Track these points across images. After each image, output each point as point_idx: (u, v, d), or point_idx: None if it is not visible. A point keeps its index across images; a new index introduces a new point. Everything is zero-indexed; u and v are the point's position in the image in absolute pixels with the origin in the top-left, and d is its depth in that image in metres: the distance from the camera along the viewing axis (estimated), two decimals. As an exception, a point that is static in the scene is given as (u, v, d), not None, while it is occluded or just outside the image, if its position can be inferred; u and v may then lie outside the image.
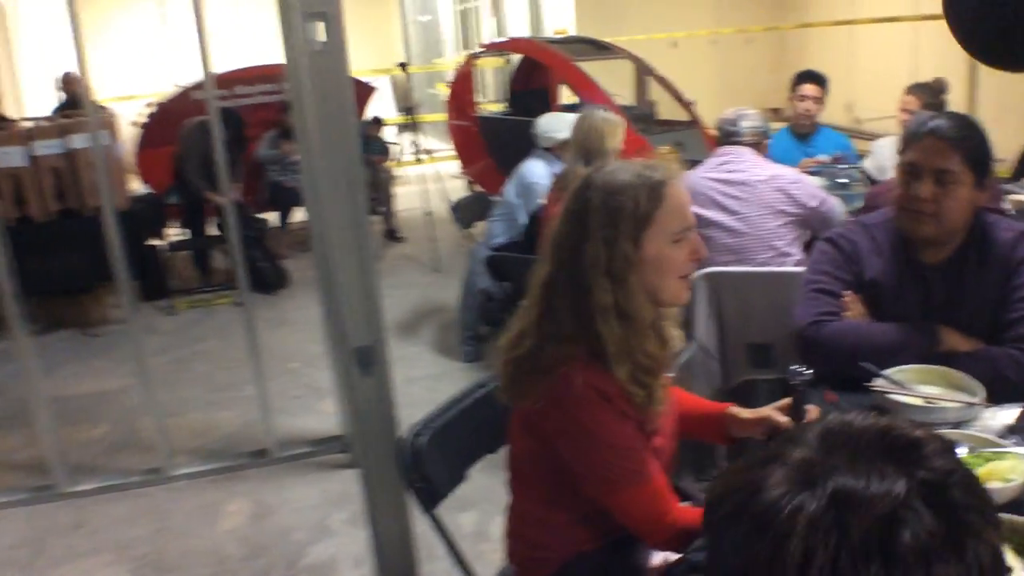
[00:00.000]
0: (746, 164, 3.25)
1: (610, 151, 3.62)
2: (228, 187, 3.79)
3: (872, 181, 4.11)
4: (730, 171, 3.22)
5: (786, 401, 1.73)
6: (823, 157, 4.35)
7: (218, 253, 6.66)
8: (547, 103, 7.10)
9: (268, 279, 6.30)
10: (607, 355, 1.50)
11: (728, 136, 3.33)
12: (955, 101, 8.68)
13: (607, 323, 1.49)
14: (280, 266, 6.57)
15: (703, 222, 3.14)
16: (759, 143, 3.34)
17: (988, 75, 8.50)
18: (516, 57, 7.87)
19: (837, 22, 9.81)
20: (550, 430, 1.56)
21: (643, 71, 6.91)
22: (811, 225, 3.25)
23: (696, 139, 6.16)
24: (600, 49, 6.93)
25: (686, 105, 6.45)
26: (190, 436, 4.12)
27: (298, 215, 7.23)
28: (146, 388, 3.68)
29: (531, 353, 1.54)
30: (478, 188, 7.35)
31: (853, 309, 2.09)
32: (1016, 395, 1.83)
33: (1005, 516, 1.35)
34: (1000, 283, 2.00)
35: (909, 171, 2.00)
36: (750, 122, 3.31)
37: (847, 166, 4.19)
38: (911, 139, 2.01)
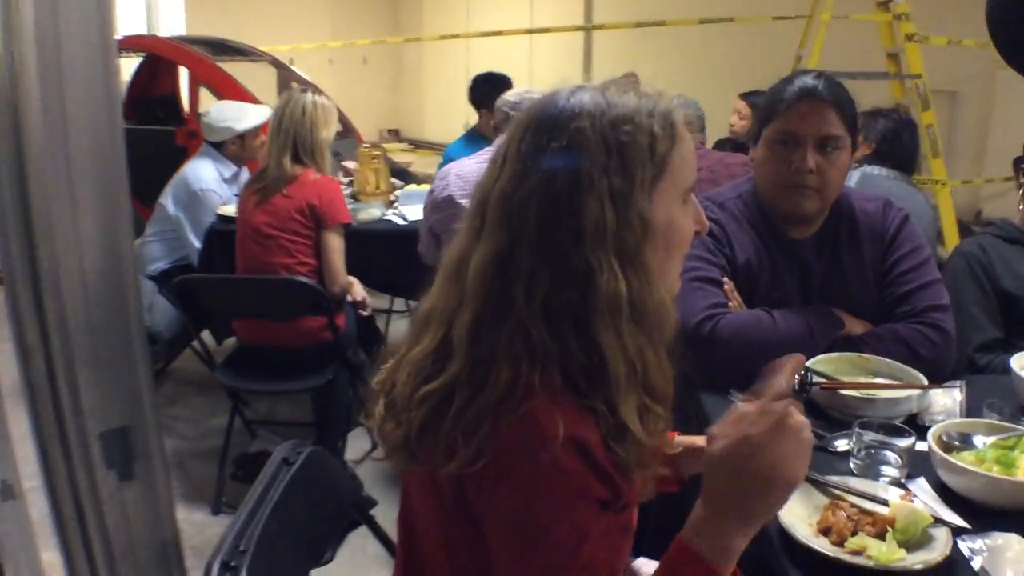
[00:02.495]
0: None
1: (323, 142, 3.03)
2: None
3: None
4: None
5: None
6: None
7: None
8: (176, 110, 6.20)
9: None
10: (605, 382, 0.94)
11: (507, 120, 2.87)
12: None
13: (615, 328, 0.94)
14: None
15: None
16: None
17: (600, 74, 9.34)
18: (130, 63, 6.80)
19: (445, 36, 9.96)
20: (484, 503, 0.95)
21: (287, 76, 6.34)
22: None
23: (353, 149, 5.79)
24: (237, 51, 6.23)
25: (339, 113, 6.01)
26: None
27: None
28: None
29: (462, 386, 0.95)
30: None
31: (732, 299, 1.83)
32: (928, 372, 1.68)
33: (901, 503, 1.17)
34: (877, 257, 1.87)
35: (785, 141, 1.78)
36: None
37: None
38: (781, 104, 1.79)
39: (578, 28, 9.00)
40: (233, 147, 3.74)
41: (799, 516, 1.22)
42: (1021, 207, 2.22)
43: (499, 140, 2.77)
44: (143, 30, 9.39)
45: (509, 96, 2.98)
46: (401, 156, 7.75)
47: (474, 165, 2.81)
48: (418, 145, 11.80)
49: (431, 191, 2.89)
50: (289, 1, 10.78)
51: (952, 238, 5.11)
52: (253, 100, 5.25)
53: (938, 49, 5.77)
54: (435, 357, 0.98)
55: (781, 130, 1.79)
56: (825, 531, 1.18)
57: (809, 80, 1.80)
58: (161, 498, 1.44)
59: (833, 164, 1.78)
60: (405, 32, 10.84)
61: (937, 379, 1.66)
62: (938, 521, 1.18)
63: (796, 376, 1.37)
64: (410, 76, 10.84)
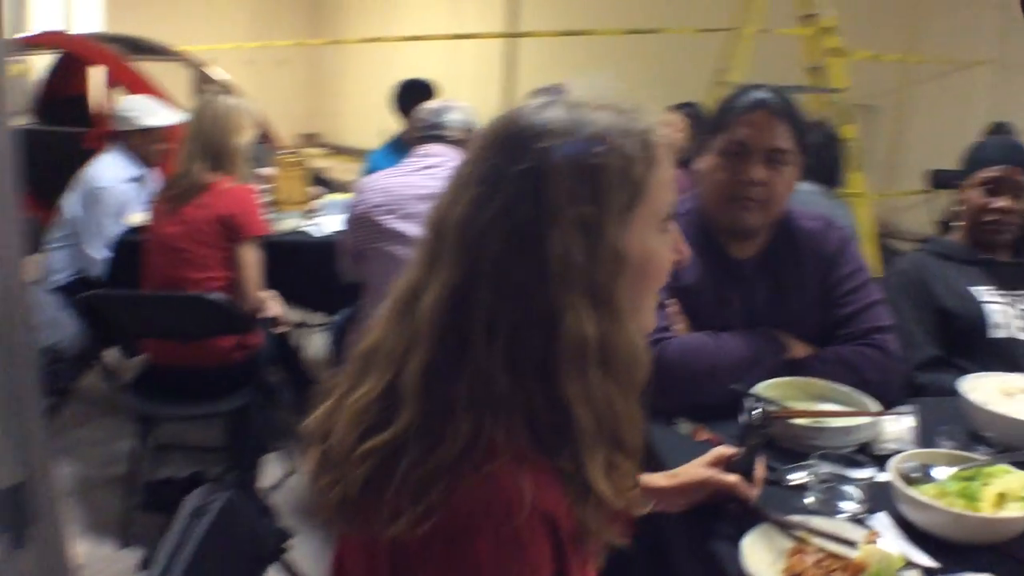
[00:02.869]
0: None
1: (239, 148, 2.86)
2: None
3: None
4: (436, 177, 2.65)
5: (726, 452, 1.30)
6: None
7: None
8: (85, 112, 5.89)
9: None
10: (572, 438, 0.83)
11: (430, 131, 2.73)
12: (494, 106, 9.33)
13: (581, 376, 0.83)
14: None
15: (405, 239, 2.58)
16: (466, 141, 2.82)
17: (524, 82, 9.29)
18: (44, 60, 6.45)
19: (367, 39, 9.78)
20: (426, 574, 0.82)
21: (202, 78, 6.09)
22: None
23: (270, 155, 5.59)
24: (153, 50, 5.98)
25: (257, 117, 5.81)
26: None
27: None
28: None
29: (414, 440, 0.82)
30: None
31: (677, 322, 1.75)
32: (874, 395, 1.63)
33: (870, 547, 1.11)
34: (819, 277, 1.82)
35: (734, 151, 1.72)
36: (457, 115, 2.74)
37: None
38: (732, 113, 1.74)
39: (504, 35, 8.94)
40: (135, 142, 3.55)
41: (764, 562, 1.13)
42: (958, 223, 2.21)
43: (418, 150, 2.69)
44: (60, 27, 8.97)
45: (428, 106, 2.84)
46: (319, 161, 7.54)
47: (396, 179, 2.67)
48: (337, 150, 11.56)
49: (350, 205, 2.75)
50: (209, 1, 10.47)
51: (871, 251, 5.19)
52: (169, 102, 5.02)
53: (854, 63, 5.87)
54: (381, 404, 0.85)
55: (731, 140, 1.73)
56: (793, 579, 1.10)
57: (762, 93, 1.75)
58: (59, 569, 1.28)
59: (780, 178, 1.73)
60: (325, 34, 10.62)
61: (883, 401, 1.61)
62: (909, 564, 1.10)
63: (752, 410, 1.29)
64: (330, 79, 10.63)
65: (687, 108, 4.37)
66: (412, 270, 0.91)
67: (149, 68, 5.57)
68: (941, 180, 6.56)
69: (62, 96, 6.25)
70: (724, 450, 1.31)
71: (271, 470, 3.09)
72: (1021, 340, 1.99)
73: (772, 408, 1.30)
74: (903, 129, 7.35)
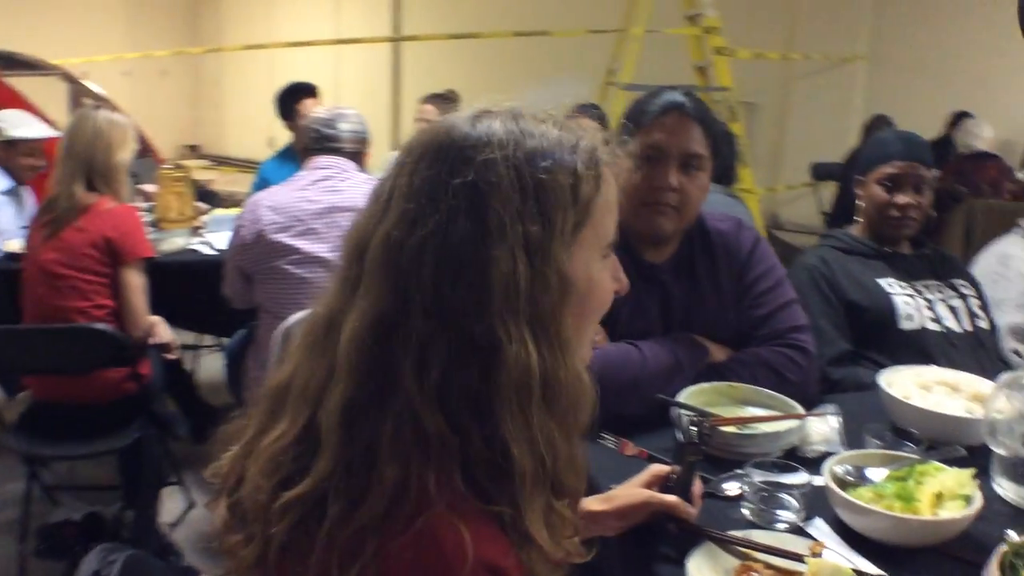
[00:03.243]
0: (351, 182, 2.59)
1: (119, 165, 2.69)
2: None
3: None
4: (332, 190, 2.54)
5: (662, 470, 1.25)
6: None
7: None
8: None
9: None
10: (510, 481, 0.74)
11: (324, 143, 2.60)
12: (381, 111, 9.22)
13: (522, 414, 0.75)
14: None
15: (301, 257, 2.46)
16: (361, 152, 2.70)
17: (410, 87, 9.21)
18: None
19: (249, 46, 9.50)
20: None
21: (79, 91, 5.80)
22: None
23: (152, 170, 5.37)
24: (25, 64, 5.66)
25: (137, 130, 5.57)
26: None
27: None
28: None
29: (336, 491, 0.72)
30: None
31: (596, 333, 1.70)
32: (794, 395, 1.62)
33: (820, 561, 1.09)
34: (733, 279, 1.80)
35: (648, 156, 1.68)
36: (351, 125, 2.63)
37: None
38: (645, 117, 1.70)
39: (389, 39, 8.80)
40: (1, 155, 3.38)
41: (711, 585, 1.09)
42: (858, 218, 2.24)
43: (310, 162, 2.56)
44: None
45: (318, 116, 2.72)
46: (202, 174, 7.27)
47: (288, 194, 2.55)
48: (219, 161, 11.21)
49: (237, 226, 2.60)
50: (83, 10, 10.01)
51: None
52: (43, 119, 4.76)
53: (737, 62, 6.00)
54: (297, 450, 0.76)
55: (646, 144, 1.69)
56: (744, 601, 1.06)
57: (676, 96, 1.72)
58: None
59: (695, 183, 1.70)
60: (206, 42, 10.25)
61: (803, 401, 1.60)
62: (858, 574, 1.08)
63: (690, 426, 1.24)
64: (210, 88, 10.29)
65: (591, 110, 4.36)
66: (328, 297, 0.82)
67: (21, 84, 5.26)
68: (822, 173, 6.80)
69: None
70: (659, 468, 1.26)
71: (171, 505, 2.92)
72: (931, 331, 2.02)
73: (706, 421, 1.26)
74: (785, 125, 7.58)
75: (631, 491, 1.24)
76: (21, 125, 3.46)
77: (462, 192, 0.76)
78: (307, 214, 2.47)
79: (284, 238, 2.46)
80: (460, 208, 0.75)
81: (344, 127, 2.63)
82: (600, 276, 0.85)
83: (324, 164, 2.60)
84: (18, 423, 2.68)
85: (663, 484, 1.24)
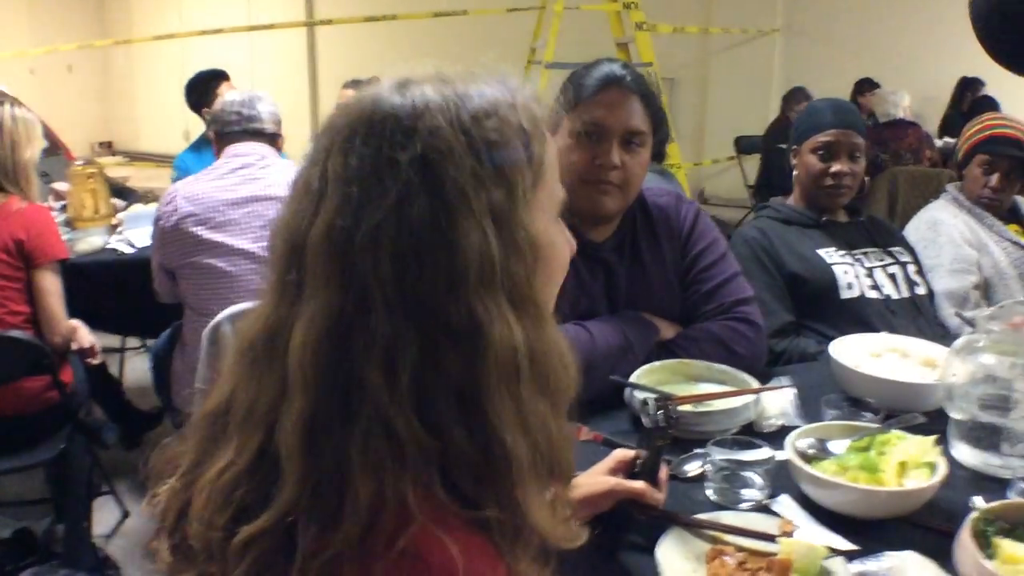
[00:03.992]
0: (273, 170, 2.48)
1: (27, 163, 2.54)
2: None
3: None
4: (250, 178, 2.43)
5: (627, 455, 1.22)
6: None
7: None
8: None
9: None
10: (501, 476, 0.68)
11: (245, 124, 2.48)
12: (299, 98, 9.00)
13: (512, 397, 0.68)
14: None
15: (222, 251, 2.35)
16: (279, 136, 2.58)
17: (327, 73, 9.02)
18: None
19: (159, 37, 9.19)
20: None
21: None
22: None
23: (61, 166, 5.12)
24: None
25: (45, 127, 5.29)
26: None
27: None
28: None
29: (305, 519, 0.65)
30: None
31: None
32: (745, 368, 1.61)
33: (792, 541, 1.07)
34: (676, 254, 1.79)
35: (589, 132, 1.63)
36: (269, 106, 2.51)
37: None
38: (583, 91, 1.65)
39: (303, 24, 8.59)
40: None
41: (684, 571, 1.06)
42: (797, 187, 2.24)
43: (228, 150, 2.44)
44: None
45: (232, 99, 2.59)
46: (116, 171, 7.00)
47: (205, 184, 2.44)
48: (134, 157, 10.85)
49: (156, 219, 2.49)
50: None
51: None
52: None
53: (657, 38, 6.01)
54: (252, 479, 0.68)
55: (587, 121, 1.63)
56: (718, 586, 1.03)
57: (615, 68, 1.67)
58: None
59: (637, 161, 1.67)
60: (113, 35, 9.87)
61: (754, 374, 1.59)
62: (831, 551, 1.06)
63: (657, 411, 1.21)
64: (121, 83, 9.93)
65: None
66: (264, 308, 0.73)
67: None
68: (746, 146, 6.89)
69: None
70: (623, 454, 1.22)
71: (104, 516, 2.79)
72: (870, 298, 2.03)
73: (672, 404, 1.22)
74: (706, 99, 7.65)
75: (595, 478, 1.20)
76: None
77: (412, 166, 0.68)
78: (225, 204, 2.37)
79: (202, 231, 2.35)
80: (413, 184, 0.67)
81: (264, 108, 2.53)
82: (559, 238, 0.79)
83: (243, 151, 2.49)
84: (-66, 440, 2.51)
85: (628, 470, 1.20)
